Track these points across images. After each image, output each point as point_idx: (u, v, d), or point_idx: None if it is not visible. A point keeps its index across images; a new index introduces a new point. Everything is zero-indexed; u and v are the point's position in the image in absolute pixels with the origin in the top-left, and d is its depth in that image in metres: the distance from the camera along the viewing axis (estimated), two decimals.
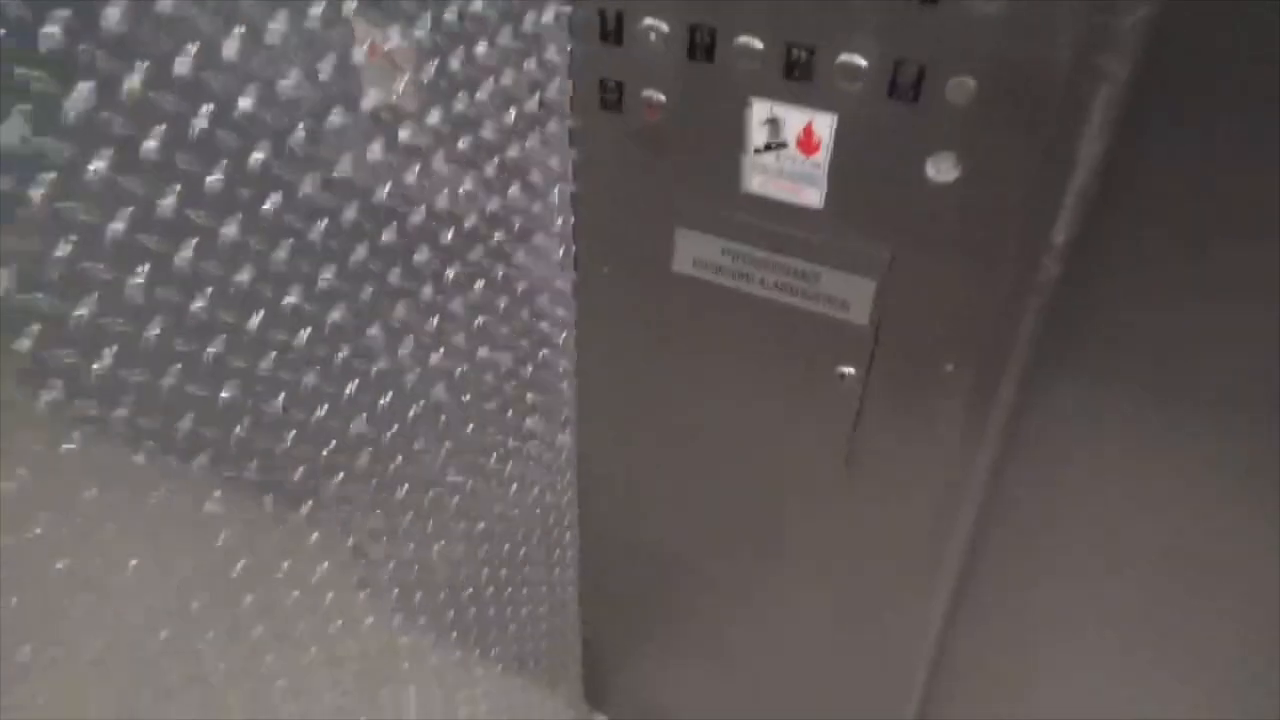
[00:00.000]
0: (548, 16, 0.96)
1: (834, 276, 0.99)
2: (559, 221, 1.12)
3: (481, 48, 0.90)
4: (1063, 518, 1.07)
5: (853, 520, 1.17)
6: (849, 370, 1.04)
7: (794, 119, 0.92)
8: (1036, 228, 0.86)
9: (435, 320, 0.99)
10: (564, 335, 1.22)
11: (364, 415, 0.94)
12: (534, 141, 1.03)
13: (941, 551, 1.12)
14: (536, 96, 1.00)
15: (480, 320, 1.07)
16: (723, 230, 1.04)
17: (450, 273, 0.98)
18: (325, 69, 0.74)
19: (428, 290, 0.96)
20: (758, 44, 0.90)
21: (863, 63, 0.85)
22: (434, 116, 0.89)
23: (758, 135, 0.95)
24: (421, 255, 0.93)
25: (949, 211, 0.89)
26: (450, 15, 0.85)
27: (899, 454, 1.07)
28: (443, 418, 1.08)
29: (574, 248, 1.16)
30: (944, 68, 0.82)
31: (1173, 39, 0.75)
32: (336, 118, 0.77)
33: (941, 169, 0.87)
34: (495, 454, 1.23)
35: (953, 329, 0.96)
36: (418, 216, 0.90)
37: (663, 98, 0.99)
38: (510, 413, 1.20)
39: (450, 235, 0.96)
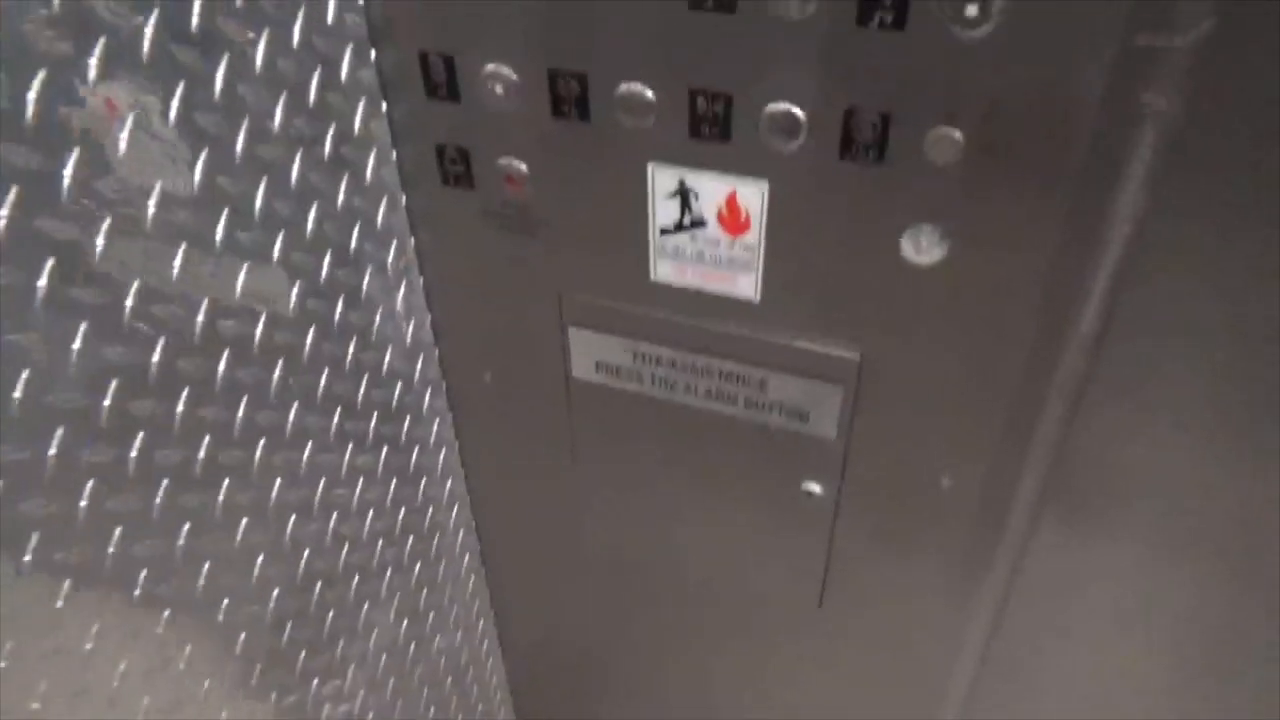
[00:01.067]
0: (348, 69, 0.68)
1: (784, 382, 0.74)
2: (410, 326, 0.84)
3: (275, 119, 0.62)
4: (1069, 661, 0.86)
5: (829, 667, 0.94)
6: (815, 488, 0.80)
7: (710, 189, 0.67)
8: (1057, 316, 0.63)
9: (276, 480, 0.72)
10: (441, 457, 0.96)
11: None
12: (361, 237, 0.74)
13: (937, 707, 0.91)
14: (344, 180, 0.71)
15: (336, 459, 0.80)
16: (630, 329, 0.78)
17: (291, 414, 0.71)
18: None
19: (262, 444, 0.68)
20: (648, 94, 0.63)
21: (799, 113, 0.60)
22: (224, 220, 0.60)
23: (663, 211, 0.69)
24: (246, 384, 0.65)
25: (935, 299, 0.65)
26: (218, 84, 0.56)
27: (885, 590, 0.84)
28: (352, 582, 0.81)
29: (436, 353, 0.89)
30: (918, 116, 0.57)
31: (1237, 62, 0.51)
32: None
33: (922, 247, 0.63)
34: (398, 611, 0.96)
35: (950, 438, 0.72)
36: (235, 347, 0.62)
37: (524, 167, 0.72)
38: (391, 571, 0.93)
39: (281, 367, 0.68)
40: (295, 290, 0.69)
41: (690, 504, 0.89)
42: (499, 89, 0.67)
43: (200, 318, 0.61)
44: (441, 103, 0.70)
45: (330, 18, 0.64)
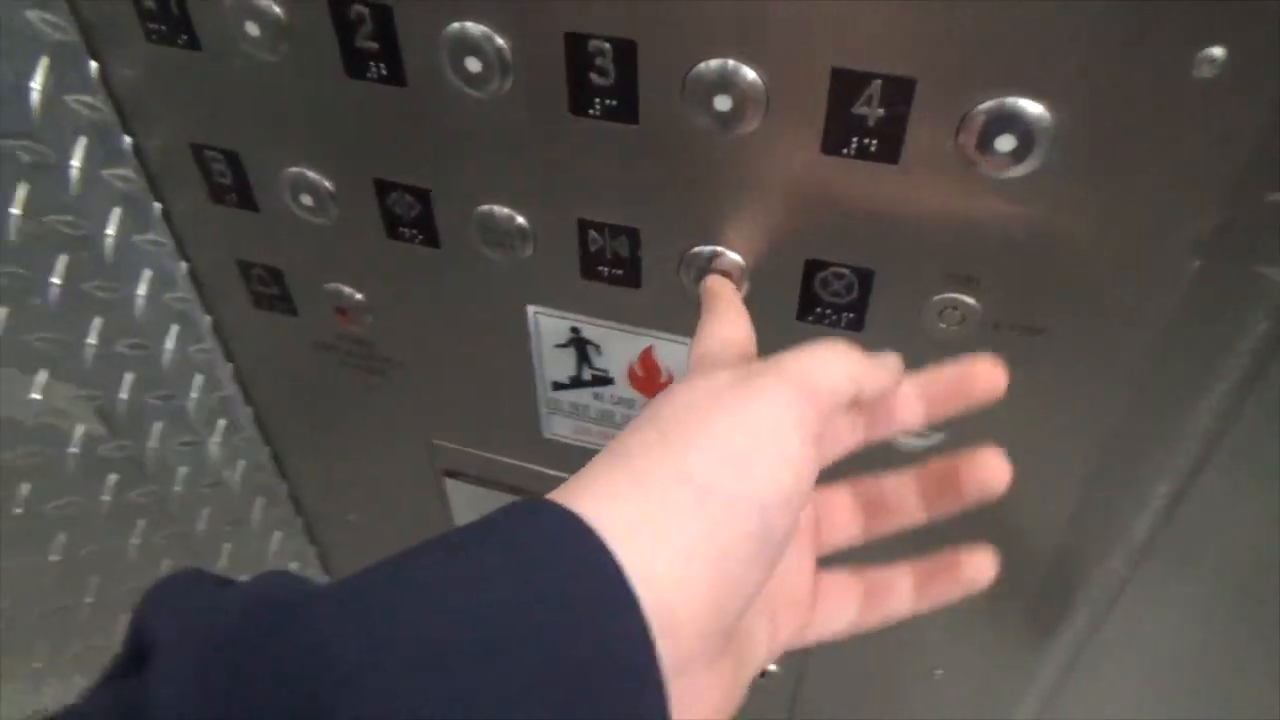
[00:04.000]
0: (84, 164, 0.46)
1: None
2: (237, 470, 0.64)
3: None
4: None
5: None
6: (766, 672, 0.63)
7: (617, 343, 0.47)
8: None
9: None
10: None
11: None
12: (136, 386, 0.54)
13: None
14: (95, 321, 0.50)
15: None
16: (524, 485, 0.59)
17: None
18: None
19: None
20: (518, 220, 0.43)
21: (738, 259, 0.40)
22: None
23: (553, 363, 0.50)
24: None
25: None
26: None
27: None
28: None
29: (285, 488, 0.69)
30: (917, 281, 0.38)
31: None
32: None
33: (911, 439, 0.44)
34: None
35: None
36: None
37: (359, 296, 0.51)
38: None
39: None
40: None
41: None
42: (307, 199, 0.46)
43: None
44: (234, 210, 0.49)
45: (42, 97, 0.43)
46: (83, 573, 0.53)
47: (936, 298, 0.38)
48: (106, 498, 0.53)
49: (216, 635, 0.21)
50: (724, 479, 0.25)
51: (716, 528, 0.24)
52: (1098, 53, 0.30)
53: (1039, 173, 0.33)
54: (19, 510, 0.48)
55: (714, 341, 0.34)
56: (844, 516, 0.36)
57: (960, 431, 0.43)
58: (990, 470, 0.32)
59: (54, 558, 0.50)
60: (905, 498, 0.35)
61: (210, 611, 0.22)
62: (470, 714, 0.19)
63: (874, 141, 0.34)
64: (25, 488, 0.47)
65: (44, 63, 0.42)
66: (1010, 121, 0.32)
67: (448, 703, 0.19)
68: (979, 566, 0.34)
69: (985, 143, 0.32)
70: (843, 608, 0.35)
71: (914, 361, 0.37)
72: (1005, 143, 0.32)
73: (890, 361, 0.32)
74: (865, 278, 0.39)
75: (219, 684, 0.20)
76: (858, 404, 0.31)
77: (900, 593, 0.35)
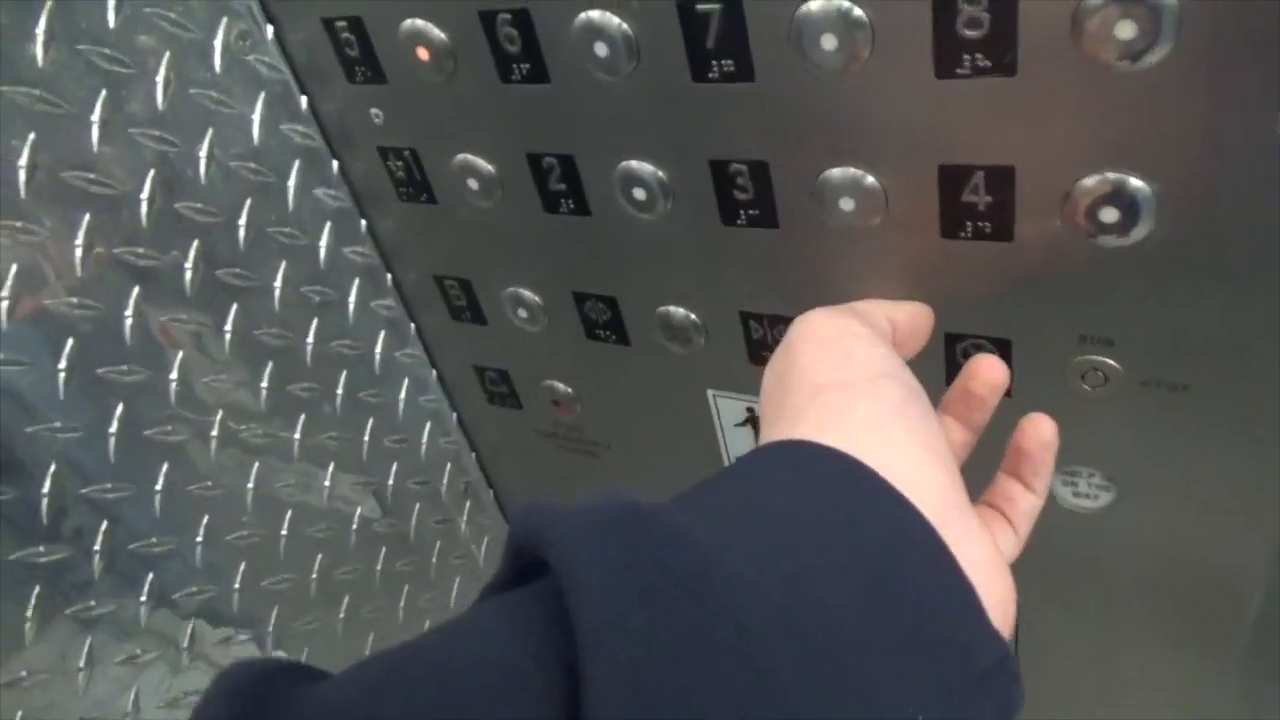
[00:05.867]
0: (360, 297, 0.59)
1: None
2: (482, 548, 0.74)
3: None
4: None
5: None
6: None
7: None
8: None
9: None
10: None
11: None
12: (401, 472, 0.65)
13: None
14: (370, 420, 0.62)
15: None
16: None
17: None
18: None
19: None
20: (691, 316, 0.50)
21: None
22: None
23: (736, 441, 0.55)
24: None
25: None
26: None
27: None
28: None
29: None
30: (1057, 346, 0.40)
31: None
32: None
33: (1090, 491, 0.45)
34: None
35: None
36: None
37: (569, 389, 0.60)
38: None
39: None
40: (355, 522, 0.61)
41: None
42: (523, 312, 0.56)
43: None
44: (469, 325, 0.60)
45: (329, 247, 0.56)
46: (364, 631, 0.64)
47: (1076, 359, 0.40)
48: (379, 567, 0.64)
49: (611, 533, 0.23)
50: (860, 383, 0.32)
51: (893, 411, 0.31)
52: (1183, 122, 0.32)
53: (1149, 239, 0.35)
54: (314, 576, 0.59)
55: (880, 311, 0.39)
56: None
57: (1131, 486, 0.44)
58: (986, 365, 0.37)
59: (341, 615, 0.62)
60: (949, 430, 0.38)
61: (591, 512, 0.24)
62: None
63: (987, 224, 0.38)
64: (320, 558, 0.59)
65: (328, 226, 0.55)
66: (1111, 196, 0.34)
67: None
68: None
69: (1091, 217, 0.35)
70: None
71: (1067, 421, 0.39)
72: (1110, 214, 0.35)
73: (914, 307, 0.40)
74: (1003, 346, 0.42)
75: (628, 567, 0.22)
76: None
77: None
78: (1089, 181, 0.35)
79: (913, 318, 0.40)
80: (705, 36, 0.38)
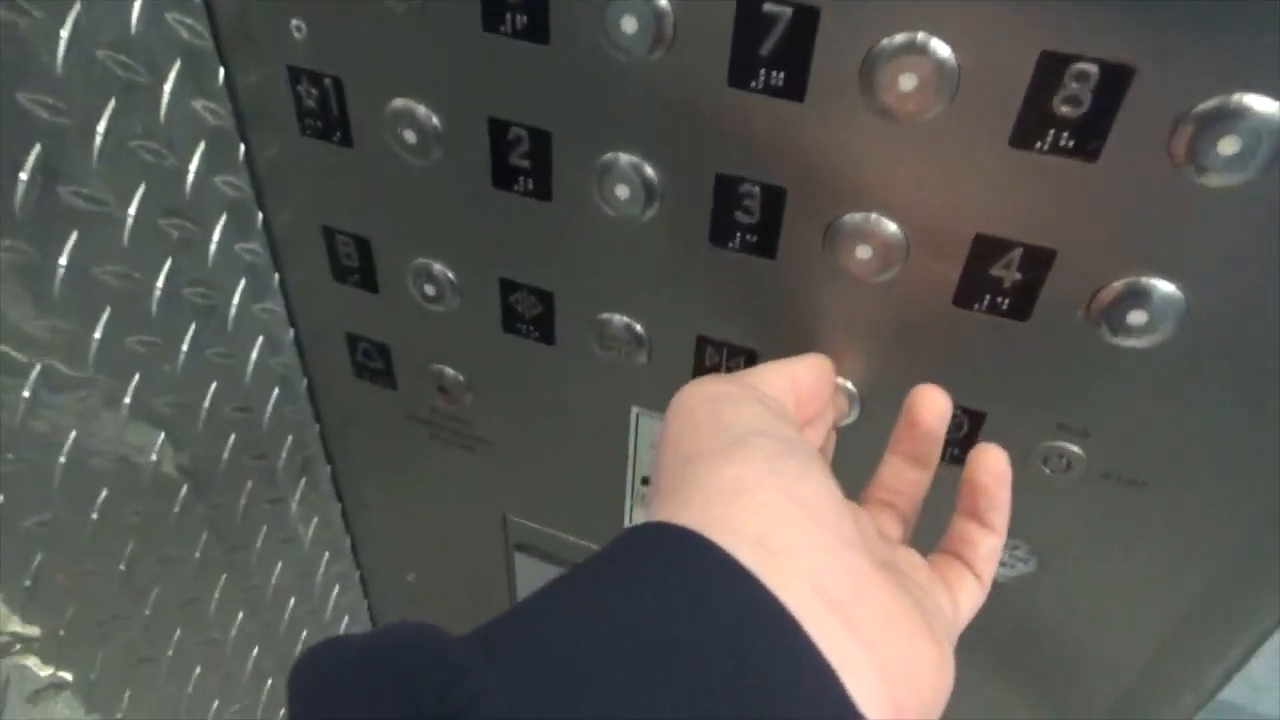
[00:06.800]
0: (221, 240, 0.48)
1: None
2: (310, 527, 0.65)
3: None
4: None
5: None
6: None
7: None
8: None
9: None
10: None
11: None
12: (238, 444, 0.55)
13: None
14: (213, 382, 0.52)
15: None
16: None
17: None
18: None
19: None
20: (637, 328, 0.45)
21: (850, 387, 0.42)
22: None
23: (647, 462, 0.51)
24: None
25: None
26: None
27: None
28: None
29: (348, 542, 0.70)
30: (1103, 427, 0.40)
31: None
32: None
33: (1008, 560, 0.46)
34: None
35: None
36: None
37: (462, 378, 0.53)
38: None
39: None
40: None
41: None
42: (430, 289, 0.48)
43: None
44: (354, 289, 0.51)
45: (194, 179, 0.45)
46: (170, 627, 0.54)
47: (1044, 444, 0.40)
48: (198, 554, 0.54)
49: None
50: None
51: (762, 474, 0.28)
52: (1229, 236, 0.32)
53: (1168, 344, 0.35)
54: (122, 567, 0.49)
55: (774, 372, 0.36)
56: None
57: (1054, 564, 0.45)
58: (926, 396, 0.36)
59: (146, 612, 0.52)
60: (900, 471, 0.37)
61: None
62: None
63: (1005, 300, 0.36)
64: (131, 546, 0.49)
65: (202, 148, 0.44)
66: (1141, 298, 0.34)
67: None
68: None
69: (1116, 315, 0.34)
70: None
71: (1014, 491, 0.39)
72: (1137, 317, 0.34)
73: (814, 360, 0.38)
74: (976, 420, 0.41)
75: None
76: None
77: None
78: (1123, 282, 0.34)
79: (816, 372, 0.37)
80: None
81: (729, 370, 0.44)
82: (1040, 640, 0.49)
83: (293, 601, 0.66)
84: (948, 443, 0.42)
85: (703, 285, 0.42)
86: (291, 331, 0.56)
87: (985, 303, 0.36)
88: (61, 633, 0.48)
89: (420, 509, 0.65)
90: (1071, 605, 0.46)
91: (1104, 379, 0.37)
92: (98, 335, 0.42)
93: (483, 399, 0.54)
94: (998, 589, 0.47)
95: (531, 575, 0.63)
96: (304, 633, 0.69)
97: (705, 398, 0.33)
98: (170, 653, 0.55)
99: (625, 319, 0.45)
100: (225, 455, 0.54)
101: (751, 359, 0.43)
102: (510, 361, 0.50)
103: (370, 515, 0.68)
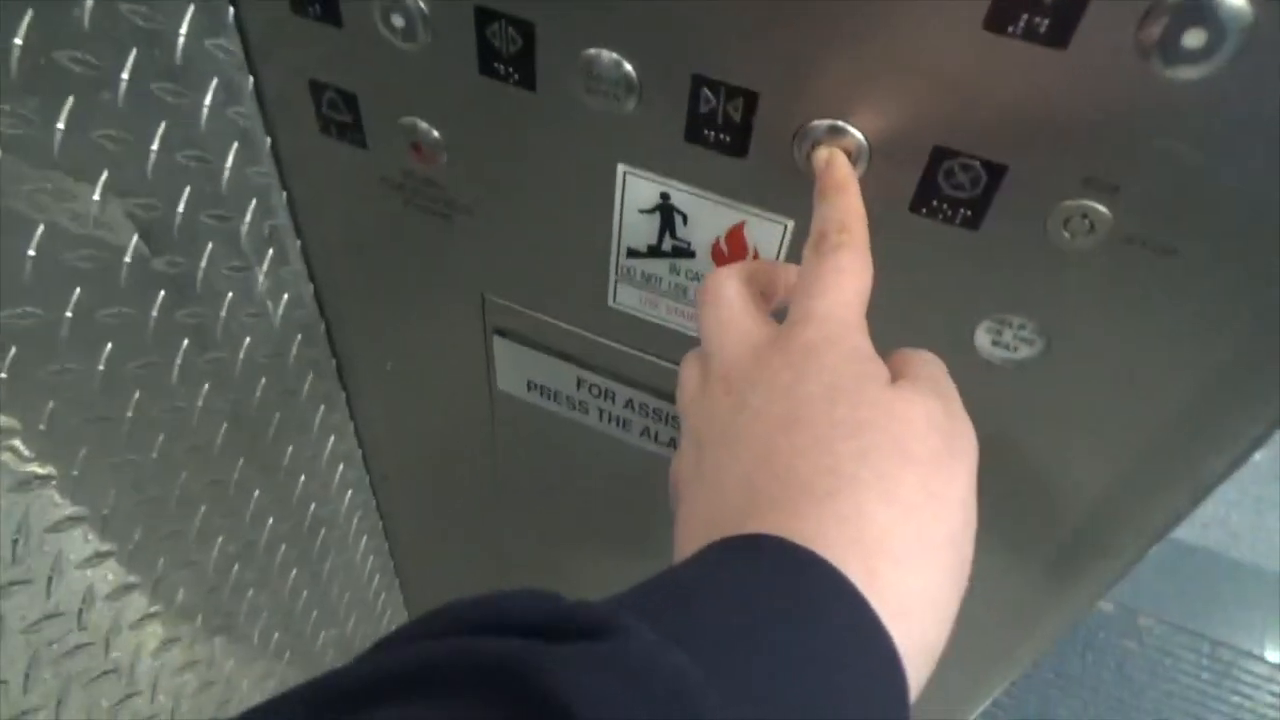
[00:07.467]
0: None
1: None
2: (280, 305, 0.62)
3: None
4: None
5: None
6: None
7: (708, 214, 0.45)
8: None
9: None
10: (330, 445, 0.76)
11: None
12: (192, 202, 0.51)
13: None
14: (161, 125, 0.48)
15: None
16: (575, 352, 0.58)
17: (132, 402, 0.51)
18: None
19: None
20: (626, 68, 0.40)
21: (860, 138, 0.38)
22: None
23: (634, 229, 0.48)
24: None
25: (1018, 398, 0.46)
26: None
27: None
28: None
29: (322, 327, 0.68)
30: (1050, 179, 0.36)
31: None
32: None
33: (1005, 342, 0.43)
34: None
35: None
36: None
37: (436, 134, 0.49)
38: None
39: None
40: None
41: (628, 545, 0.72)
42: (398, 20, 0.43)
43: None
44: (314, 22, 0.46)
45: None
46: (128, 389, 0.52)
47: (1067, 203, 0.36)
48: (155, 314, 0.52)
49: None
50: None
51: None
52: None
53: (1222, 75, 0.30)
54: (70, 314, 0.46)
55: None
56: None
57: (1058, 345, 0.42)
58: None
59: (100, 367, 0.49)
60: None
61: None
62: None
63: (1045, 21, 0.31)
64: (78, 293, 0.46)
65: None
66: (1202, 13, 0.29)
67: None
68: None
69: (1169, 39, 0.30)
70: None
71: (1021, 275, 0.35)
72: (1194, 38, 0.30)
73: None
74: (996, 173, 0.37)
75: None
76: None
77: None
78: None
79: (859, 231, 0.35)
80: None
81: (727, 119, 0.40)
82: (1024, 441, 0.47)
83: (264, 381, 0.64)
84: (961, 201, 0.38)
85: (701, 11, 0.37)
86: (251, 80, 0.51)
87: (1021, 25, 0.32)
88: (42, 427, 0.46)
89: (396, 288, 0.61)
90: (1071, 398, 0.44)
91: (1149, 122, 0.33)
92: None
93: (459, 158, 0.49)
94: (995, 376, 0.45)
95: (510, 361, 0.61)
96: (276, 415, 0.67)
97: (846, 356, 0.32)
98: (131, 414, 0.53)
99: (614, 55, 0.40)
100: (180, 209, 0.50)
101: (752, 101, 0.39)
102: (488, 112, 0.46)
103: (345, 296, 0.65)
